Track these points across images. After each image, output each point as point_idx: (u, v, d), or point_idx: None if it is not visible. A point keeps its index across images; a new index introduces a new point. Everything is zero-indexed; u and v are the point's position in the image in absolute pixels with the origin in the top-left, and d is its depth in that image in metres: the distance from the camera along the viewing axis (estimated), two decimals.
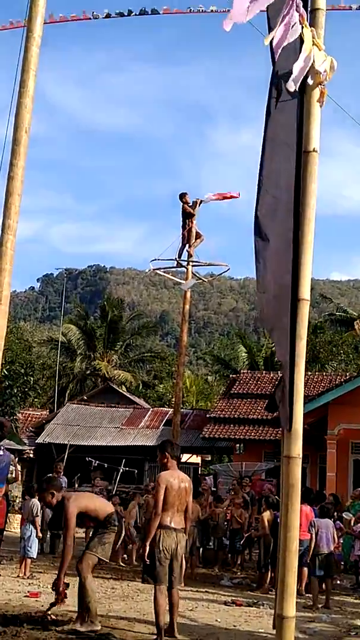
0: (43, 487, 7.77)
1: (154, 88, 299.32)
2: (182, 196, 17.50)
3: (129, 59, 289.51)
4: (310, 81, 4.38)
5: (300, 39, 4.24)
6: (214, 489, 21.44)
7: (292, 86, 4.19)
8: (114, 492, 18.87)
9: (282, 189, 4.22)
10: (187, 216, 17.28)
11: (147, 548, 7.25)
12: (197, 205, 17.37)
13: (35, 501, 12.06)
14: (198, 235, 17.39)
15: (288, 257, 4.22)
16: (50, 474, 17.15)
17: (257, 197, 4.14)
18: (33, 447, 30.53)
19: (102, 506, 7.79)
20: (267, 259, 4.11)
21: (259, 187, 4.15)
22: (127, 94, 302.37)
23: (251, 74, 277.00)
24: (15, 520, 16.57)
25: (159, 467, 7.80)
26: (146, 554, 7.27)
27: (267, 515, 12.74)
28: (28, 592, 9.79)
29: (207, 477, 24.58)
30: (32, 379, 32.26)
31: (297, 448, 4.25)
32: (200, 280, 18.85)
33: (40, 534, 12.40)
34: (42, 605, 8.35)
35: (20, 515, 14.19)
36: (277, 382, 29.92)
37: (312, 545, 11.28)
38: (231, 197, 17.30)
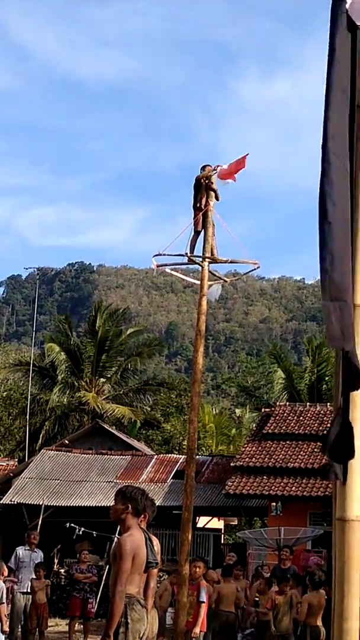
0: None
1: (154, 23, 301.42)
2: (203, 170, 17.47)
3: None
4: None
5: None
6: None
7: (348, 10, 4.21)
8: (107, 570, 18.86)
9: (347, 157, 4.23)
10: (202, 193, 17.21)
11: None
12: (207, 183, 17.22)
13: (0, 584, 12.04)
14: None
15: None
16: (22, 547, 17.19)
17: (322, 167, 4.14)
18: None
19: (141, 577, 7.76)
20: (335, 253, 4.11)
21: (323, 153, 4.15)
22: (119, 31, 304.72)
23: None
24: None
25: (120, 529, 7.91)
26: None
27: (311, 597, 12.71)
28: None
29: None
30: None
31: (355, 507, 4.21)
32: (220, 281, 18.81)
33: (6, 628, 12.39)
34: None
35: None
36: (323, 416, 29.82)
37: None
38: (241, 164, 17.13)
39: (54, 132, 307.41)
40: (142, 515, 7.96)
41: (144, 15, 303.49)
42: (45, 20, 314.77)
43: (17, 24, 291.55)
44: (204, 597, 12.66)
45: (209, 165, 17.45)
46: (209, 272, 17.41)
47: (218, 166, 17.15)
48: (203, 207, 17.15)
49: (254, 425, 34.69)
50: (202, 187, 17.21)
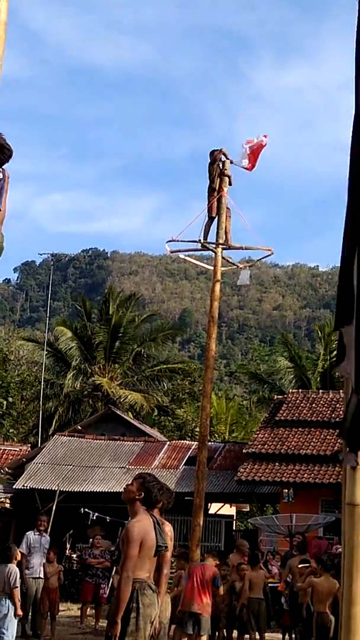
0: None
1: (168, 11, 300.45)
2: (213, 154, 17.44)
3: None
4: None
5: None
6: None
7: None
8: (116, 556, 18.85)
9: None
10: (216, 179, 17.18)
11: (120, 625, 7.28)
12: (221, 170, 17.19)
13: (13, 567, 12.08)
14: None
15: None
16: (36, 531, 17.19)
17: (351, 151, 4.12)
18: (10, 495, 30.64)
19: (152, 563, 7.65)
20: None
21: (353, 136, 4.12)
22: (134, 19, 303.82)
23: None
24: None
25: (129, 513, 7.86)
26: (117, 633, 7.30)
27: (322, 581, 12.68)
28: None
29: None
30: (6, 401, 32.18)
31: None
32: (234, 266, 18.76)
33: (20, 612, 12.40)
34: None
35: None
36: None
37: None
38: (259, 146, 17.19)
39: (68, 119, 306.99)
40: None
41: (158, 3, 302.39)
42: (60, 6, 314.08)
43: (31, 9, 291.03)
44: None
45: (217, 151, 17.44)
46: (223, 258, 17.37)
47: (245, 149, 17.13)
48: (217, 189, 17.10)
49: (265, 413, 34.71)
50: (216, 169, 17.20)
